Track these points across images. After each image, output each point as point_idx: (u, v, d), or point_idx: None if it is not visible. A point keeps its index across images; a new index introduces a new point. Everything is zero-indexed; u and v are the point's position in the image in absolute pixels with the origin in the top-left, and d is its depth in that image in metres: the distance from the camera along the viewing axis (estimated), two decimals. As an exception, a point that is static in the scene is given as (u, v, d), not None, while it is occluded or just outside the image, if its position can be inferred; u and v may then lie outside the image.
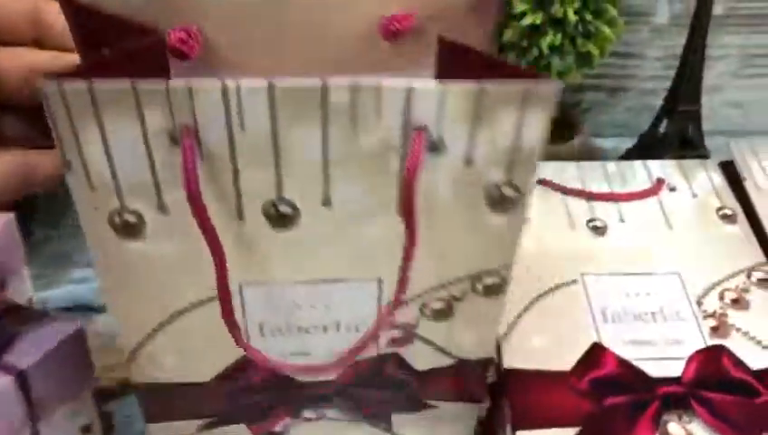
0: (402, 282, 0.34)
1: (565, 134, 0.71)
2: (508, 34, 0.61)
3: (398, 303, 0.35)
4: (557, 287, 0.48)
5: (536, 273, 0.48)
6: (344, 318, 0.38)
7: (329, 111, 0.31)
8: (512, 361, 0.44)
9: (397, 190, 0.33)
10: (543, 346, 0.45)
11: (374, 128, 0.31)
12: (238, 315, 0.36)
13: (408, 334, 0.39)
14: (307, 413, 0.42)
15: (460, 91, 0.30)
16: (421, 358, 0.40)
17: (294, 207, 0.33)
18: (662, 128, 0.72)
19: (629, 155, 0.73)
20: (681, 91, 0.70)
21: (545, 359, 0.44)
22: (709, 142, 0.70)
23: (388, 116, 0.31)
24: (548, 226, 0.52)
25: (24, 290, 0.45)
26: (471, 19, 0.46)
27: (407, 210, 0.32)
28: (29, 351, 0.40)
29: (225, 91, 0.30)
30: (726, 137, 0.83)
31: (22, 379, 0.39)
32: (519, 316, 0.46)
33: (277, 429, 0.43)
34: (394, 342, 0.39)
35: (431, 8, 0.42)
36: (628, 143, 0.74)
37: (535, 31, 0.61)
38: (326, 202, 0.33)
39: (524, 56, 0.62)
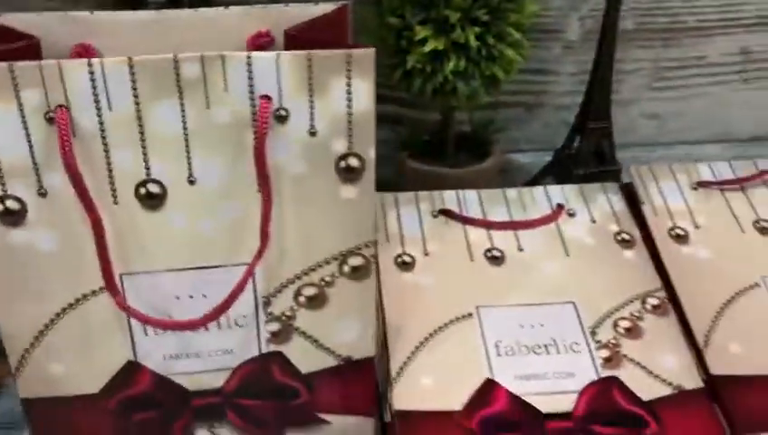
0: (263, 239, 0.36)
1: (480, 153, 0.71)
2: (412, 60, 0.61)
3: (259, 256, 0.37)
4: (451, 322, 0.47)
5: (433, 307, 0.48)
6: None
7: (182, 84, 0.33)
8: (401, 402, 0.43)
9: (251, 164, 0.35)
10: (435, 385, 0.44)
11: (224, 99, 0.34)
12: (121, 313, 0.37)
13: (287, 328, 0.40)
14: (200, 433, 0.41)
15: (292, 58, 0.33)
16: (304, 357, 0.41)
17: (162, 187, 0.35)
18: (576, 142, 0.72)
19: (546, 171, 0.73)
20: (591, 108, 0.70)
21: (436, 398, 0.43)
22: (627, 154, 0.71)
23: (235, 87, 0.34)
24: (447, 257, 0.51)
25: None
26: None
27: (261, 178, 0.34)
28: None
29: (91, 69, 0.32)
30: (644, 148, 0.85)
31: None
32: (412, 354, 0.46)
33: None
34: (274, 336, 0.40)
35: (283, 25, 0.42)
36: (545, 158, 0.75)
37: (439, 56, 0.61)
38: (191, 179, 0.35)
39: (430, 81, 0.62)
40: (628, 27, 0.77)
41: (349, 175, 0.36)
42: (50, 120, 0.33)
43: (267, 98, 0.34)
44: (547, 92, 0.80)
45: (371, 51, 0.34)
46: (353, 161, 0.36)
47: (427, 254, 0.51)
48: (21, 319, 0.37)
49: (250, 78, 0.33)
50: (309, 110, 0.35)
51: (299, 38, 0.37)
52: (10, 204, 0.34)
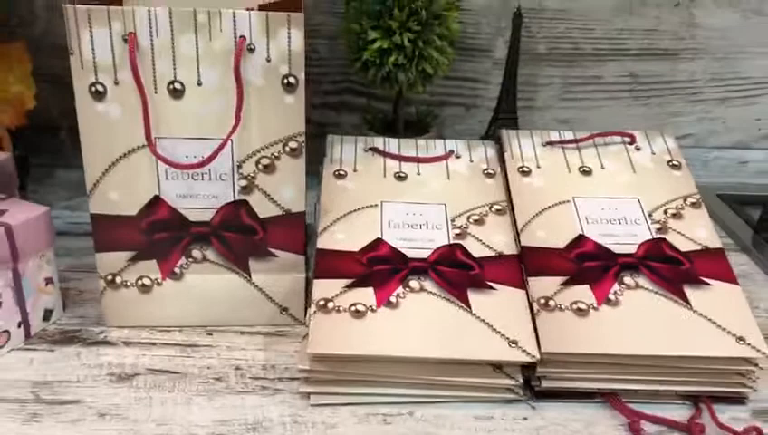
0: (237, 120, 0.63)
1: (421, 132, 0.97)
2: (366, 55, 0.88)
3: (225, 142, 0.64)
4: (362, 208, 0.73)
5: (353, 200, 0.74)
6: (214, 168, 0.66)
7: (197, 25, 0.61)
8: (322, 244, 0.69)
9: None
10: (345, 239, 0.70)
11: (219, 36, 0.61)
12: (154, 163, 0.65)
13: (251, 184, 0.67)
14: (194, 253, 0.68)
15: (257, 15, 0.61)
16: (261, 207, 0.68)
17: (183, 85, 0.62)
18: (492, 132, 0.99)
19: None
20: (502, 105, 0.97)
21: (344, 245, 0.69)
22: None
23: (226, 29, 0.61)
24: (369, 174, 0.77)
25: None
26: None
27: (237, 85, 0.62)
28: (16, 217, 0.65)
29: (149, 13, 0.60)
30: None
31: (9, 231, 0.64)
32: (333, 223, 0.72)
33: (176, 269, 0.68)
34: (243, 189, 0.67)
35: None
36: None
37: (384, 53, 0.88)
38: (199, 83, 0.63)
39: (379, 71, 0.89)
40: (541, 51, 1.04)
41: (289, 88, 0.64)
42: (125, 40, 0.61)
43: (243, 37, 0.61)
44: (480, 96, 1.06)
45: (302, 14, 0.61)
46: (292, 80, 0.63)
47: (355, 171, 0.77)
48: (97, 160, 0.64)
49: (234, 25, 0.61)
50: (266, 46, 0.62)
51: (267, 8, 0.64)
52: (98, 87, 0.62)
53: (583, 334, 0.63)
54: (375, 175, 0.78)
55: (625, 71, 1.06)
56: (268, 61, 0.63)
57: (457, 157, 0.81)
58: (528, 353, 0.61)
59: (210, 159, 0.64)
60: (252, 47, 0.62)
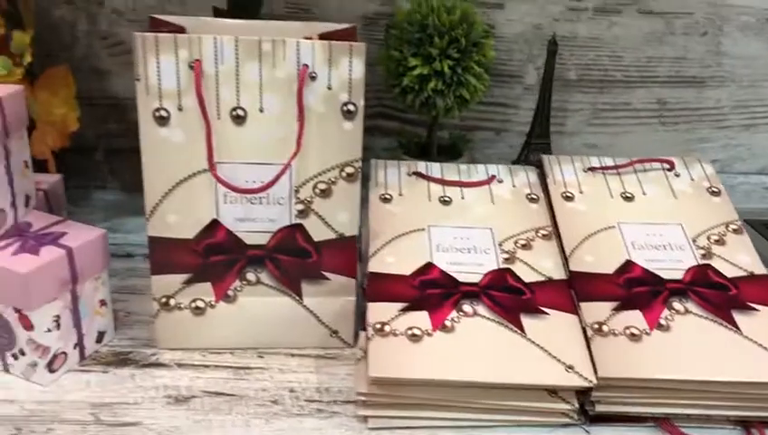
0: (297, 146, 0.65)
1: (454, 156, 0.99)
2: (406, 81, 0.90)
3: (286, 168, 0.65)
4: (411, 232, 0.74)
5: (399, 224, 0.75)
6: (272, 192, 0.66)
7: (261, 53, 0.62)
8: (373, 268, 0.70)
9: (296, 104, 0.64)
10: (395, 262, 0.71)
11: (283, 64, 0.63)
12: (213, 187, 0.66)
13: (307, 208, 0.68)
14: (249, 276, 0.69)
15: (320, 44, 0.62)
16: (316, 230, 0.69)
17: (245, 111, 0.64)
18: (525, 156, 1.00)
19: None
20: (535, 130, 0.98)
21: (394, 268, 0.70)
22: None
23: (290, 58, 0.63)
24: (413, 197, 0.78)
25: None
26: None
27: (299, 111, 0.63)
28: (75, 239, 0.66)
29: (215, 41, 0.61)
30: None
31: (70, 253, 0.65)
32: (382, 246, 0.72)
33: (230, 292, 0.69)
34: (299, 213, 0.68)
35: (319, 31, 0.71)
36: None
37: (424, 79, 0.89)
38: (261, 109, 0.64)
39: (418, 96, 0.90)
40: (572, 77, 1.06)
41: (348, 115, 0.65)
42: (190, 67, 0.62)
43: (306, 66, 0.63)
44: (511, 121, 1.08)
45: (363, 45, 0.63)
46: (351, 107, 0.65)
47: (401, 195, 0.79)
48: (157, 183, 0.65)
49: (298, 53, 0.62)
50: (328, 74, 0.63)
51: (325, 37, 0.66)
52: (162, 113, 0.63)
53: (637, 359, 0.64)
54: (420, 199, 0.79)
55: (653, 97, 1.07)
56: (329, 88, 0.64)
57: (500, 181, 0.82)
58: (585, 378, 0.62)
59: (271, 183, 0.65)
60: (314, 75, 0.63)
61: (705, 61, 1.06)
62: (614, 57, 1.05)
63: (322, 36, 0.67)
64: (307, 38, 0.65)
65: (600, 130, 1.09)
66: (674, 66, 1.06)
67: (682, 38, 1.04)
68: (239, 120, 0.64)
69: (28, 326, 0.63)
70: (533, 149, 0.99)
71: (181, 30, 0.66)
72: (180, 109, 0.63)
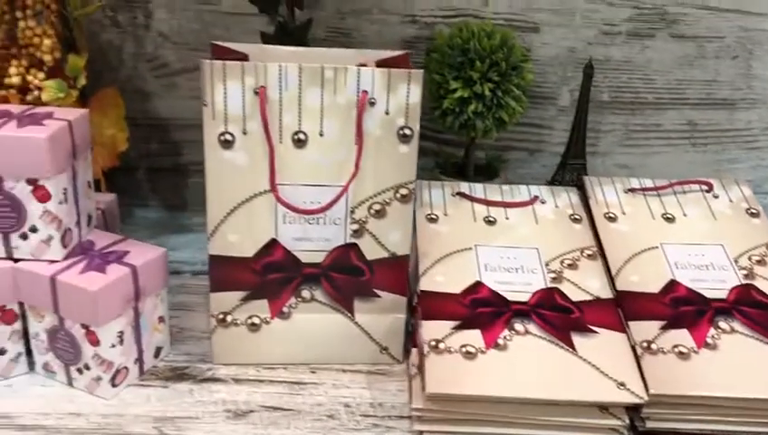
0: (356, 169, 0.67)
1: (490, 176, 1.01)
2: (446, 103, 0.92)
3: (345, 189, 0.68)
4: (457, 252, 0.76)
5: (446, 244, 0.77)
6: (329, 212, 0.69)
7: (323, 80, 0.65)
8: (424, 286, 0.72)
9: (354, 128, 0.66)
10: (444, 280, 0.73)
11: (344, 91, 0.65)
12: (273, 208, 0.68)
13: (362, 228, 0.70)
14: (304, 293, 0.71)
15: (380, 72, 0.65)
16: (369, 249, 0.71)
17: (306, 135, 0.66)
18: (559, 177, 1.02)
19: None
20: (571, 151, 1.00)
21: (444, 287, 0.72)
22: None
23: (350, 84, 0.65)
24: (459, 218, 0.80)
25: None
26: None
27: (358, 135, 0.66)
28: (138, 258, 0.68)
29: (279, 67, 0.64)
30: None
31: (134, 271, 0.67)
32: (432, 265, 0.74)
33: (285, 309, 0.71)
34: (354, 233, 0.70)
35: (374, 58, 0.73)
36: (541, 189, 1.04)
37: (464, 102, 0.91)
38: (321, 134, 0.66)
39: (458, 118, 0.93)
40: (605, 99, 1.08)
41: (404, 139, 0.67)
42: (255, 93, 0.64)
43: (365, 92, 0.65)
44: (545, 142, 1.10)
45: (421, 72, 0.65)
46: (407, 131, 0.67)
47: (446, 215, 0.81)
48: (220, 204, 0.67)
49: (358, 80, 0.65)
50: (386, 100, 0.66)
51: (382, 65, 0.68)
52: (227, 136, 0.65)
53: (687, 377, 0.65)
54: (465, 219, 0.81)
55: (684, 119, 1.09)
56: (387, 113, 0.66)
57: (542, 202, 0.84)
58: (636, 395, 0.64)
59: (330, 204, 0.67)
60: (373, 101, 0.65)
61: (736, 83, 1.08)
62: (646, 80, 1.07)
63: (379, 63, 0.69)
64: (361, 65, 0.68)
65: (632, 150, 1.11)
66: (704, 88, 1.08)
67: (713, 61, 1.06)
68: (300, 143, 0.66)
69: (94, 342, 0.65)
70: (569, 169, 1.01)
71: (244, 57, 0.68)
72: (245, 132, 0.65)
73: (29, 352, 0.70)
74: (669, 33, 1.04)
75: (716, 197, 0.84)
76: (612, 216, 0.81)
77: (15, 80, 0.86)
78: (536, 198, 0.84)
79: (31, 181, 0.64)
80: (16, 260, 0.67)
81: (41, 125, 0.64)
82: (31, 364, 0.71)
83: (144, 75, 1.04)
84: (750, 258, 0.76)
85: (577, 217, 0.82)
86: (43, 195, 0.64)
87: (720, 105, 1.09)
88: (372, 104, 0.65)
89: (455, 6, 1.02)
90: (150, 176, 1.09)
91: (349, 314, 0.73)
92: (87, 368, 0.67)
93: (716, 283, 0.73)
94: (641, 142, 1.11)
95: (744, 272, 0.75)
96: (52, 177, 0.64)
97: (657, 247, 0.77)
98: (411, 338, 0.75)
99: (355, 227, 0.70)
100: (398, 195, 0.69)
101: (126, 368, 0.69)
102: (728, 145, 1.11)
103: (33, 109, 0.69)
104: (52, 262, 0.67)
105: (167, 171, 1.09)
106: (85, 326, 0.65)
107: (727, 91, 1.08)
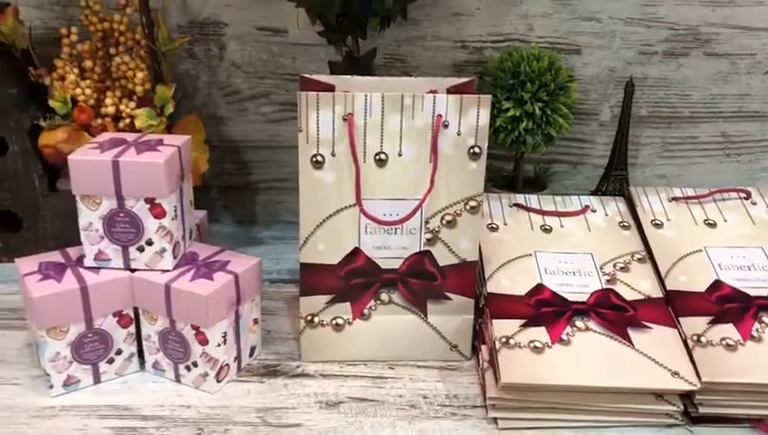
0: (431, 185, 0.75)
1: (538, 188, 1.09)
2: (499, 121, 1.00)
3: (422, 202, 0.75)
4: (518, 258, 0.84)
5: (508, 251, 0.85)
6: (406, 223, 0.76)
7: (403, 107, 0.73)
8: (491, 288, 0.80)
9: (429, 148, 0.74)
10: (509, 284, 0.80)
11: (421, 115, 0.73)
12: (357, 220, 0.76)
13: (435, 237, 0.78)
14: (383, 296, 0.79)
15: (453, 98, 0.73)
16: (441, 256, 0.79)
17: (386, 156, 0.74)
18: (604, 187, 1.09)
19: (584, 205, 1.10)
20: (614, 163, 1.08)
21: (509, 289, 0.80)
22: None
23: (426, 109, 0.73)
24: (517, 227, 0.88)
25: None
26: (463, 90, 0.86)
27: (433, 154, 0.74)
28: (238, 266, 0.77)
29: (365, 96, 0.72)
30: (657, 200, 1.20)
31: (236, 278, 0.75)
32: (496, 271, 0.82)
33: (365, 311, 0.79)
34: (428, 241, 0.78)
35: (444, 85, 0.82)
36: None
37: (516, 120, 0.99)
38: (400, 154, 0.74)
39: (510, 135, 1.01)
40: (643, 114, 1.15)
41: (474, 156, 0.75)
42: (344, 120, 0.73)
43: (440, 116, 0.73)
44: (587, 155, 1.17)
45: (489, 96, 0.73)
46: (477, 149, 0.75)
47: (506, 224, 0.88)
48: (311, 217, 0.76)
49: (433, 106, 0.73)
50: (458, 122, 0.74)
51: (452, 91, 0.76)
52: (318, 158, 0.74)
53: (735, 366, 0.72)
54: (524, 228, 0.88)
55: (718, 131, 1.16)
56: (458, 134, 0.74)
57: (593, 211, 0.91)
58: (689, 382, 0.71)
59: (408, 216, 0.75)
60: (446, 123, 0.74)
61: (767, 97, 1.15)
62: (682, 95, 1.14)
63: (449, 90, 0.77)
64: (432, 91, 0.76)
65: (669, 161, 1.18)
66: (737, 102, 1.15)
67: (745, 77, 1.13)
68: (381, 163, 0.74)
69: (203, 341, 0.74)
70: (612, 180, 1.09)
71: (331, 87, 0.77)
72: (333, 154, 0.74)
73: (140, 353, 0.79)
74: (703, 51, 1.12)
75: (755, 204, 0.91)
76: (658, 222, 0.88)
77: (111, 109, 0.96)
78: (587, 207, 0.92)
79: (149, 200, 0.73)
80: (133, 270, 0.75)
81: (156, 151, 0.73)
82: (141, 363, 0.79)
83: (217, 101, 1.13)
84: (788, 259, 0.83)
85: (626, 224, 0.89)
86: (159, 212, 0.73)
87: (752, 118, 1.16)
88: (446, 127, 0.74)
89: (502, 32, 1.10)
90: (222, 193, 1.18)
91: (422, 316, 0.81)
92: (195, 365, 0.75)
93: (758, 282, 0.80)
94: (678, 154, 1.18)
95: (784, 271, 0.82)
96: (167, 196, 0.73)
97: (701, 250, 0.84)
98: (479, 336, 0.82)
99: (429, 236, 0.78)
100: (468, 206, 0.77)
101: (228, 365, 0.77)
102: (760, 155, 1.18)
103: (144, 137, 0.78)
104: (164, 271, 0.75)
105: (237, 189, 1.18)
106: (195, 327, 0.74)
107: (759, 104, 1.15)
